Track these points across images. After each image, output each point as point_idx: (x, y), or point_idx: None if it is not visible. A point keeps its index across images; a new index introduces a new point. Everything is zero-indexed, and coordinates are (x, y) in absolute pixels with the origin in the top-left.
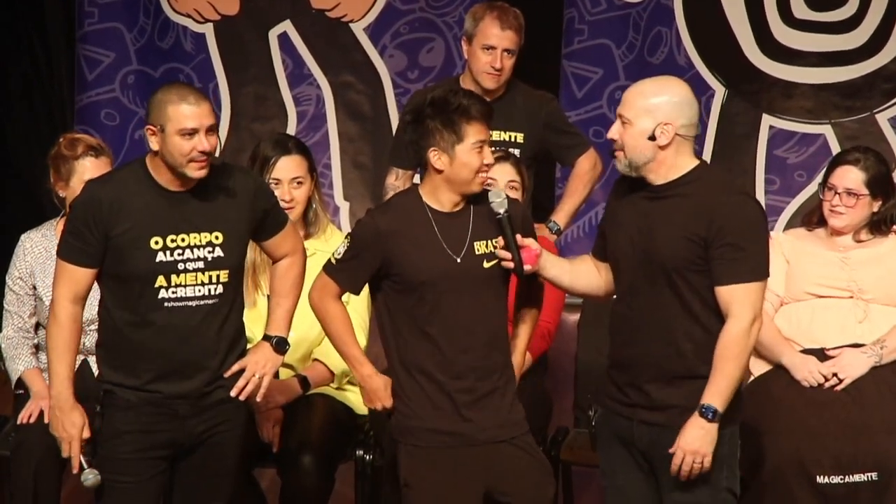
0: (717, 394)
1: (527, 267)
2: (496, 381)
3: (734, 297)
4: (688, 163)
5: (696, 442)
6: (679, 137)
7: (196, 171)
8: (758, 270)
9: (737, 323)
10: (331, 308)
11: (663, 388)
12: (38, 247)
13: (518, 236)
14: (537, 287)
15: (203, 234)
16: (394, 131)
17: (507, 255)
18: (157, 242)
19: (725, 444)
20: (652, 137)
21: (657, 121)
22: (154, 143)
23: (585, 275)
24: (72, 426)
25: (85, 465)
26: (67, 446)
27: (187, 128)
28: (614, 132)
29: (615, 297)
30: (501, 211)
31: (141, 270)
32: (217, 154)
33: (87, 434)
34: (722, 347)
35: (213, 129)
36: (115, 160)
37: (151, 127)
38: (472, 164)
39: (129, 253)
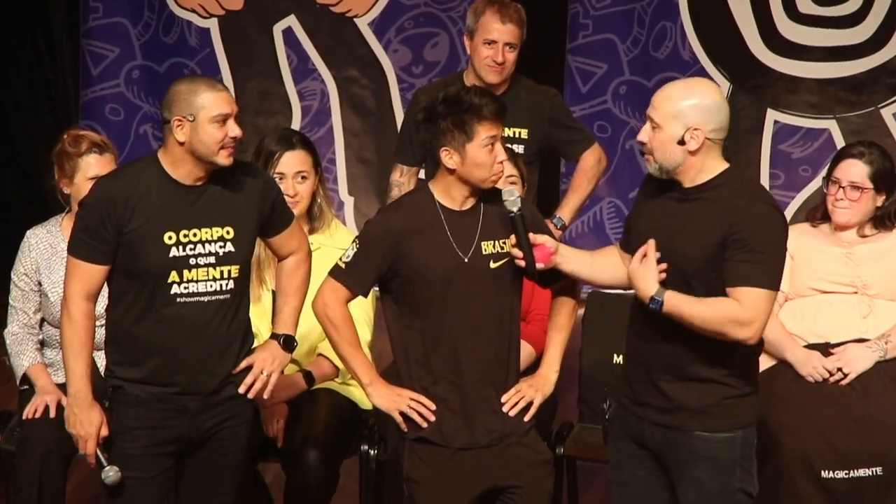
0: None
1: (540, 265)
2: (502, 382)
3: (742, 299)
4: (717, 166)
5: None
6: (709, 142)
7: (226, 159)
8: (769, 279)
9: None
10: (336, 319)
11: (673, 389)
12: (42, 243)
13: (531, 234)
14: (569, 280)
15: (215, 229)
16: (398, 126)
17: (520, 253)
18: (170, 237)
19: (737, 446)
20: (681, 142)
21: (686, 126)
22: (181, 135)
23: (609, 267)
24: (90, 424)
25: (105, 463)
26: (84, 444)
27: (222, 114)
28: (643, 135)
29: (634, 293)
30: (514, 210)
31: (154, 265)
32: None
33: (105, 432)
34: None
35: (238, 117)
36: (120, 155)
37: (179, 118)
38: (483, 161)
39: (142, 248)
